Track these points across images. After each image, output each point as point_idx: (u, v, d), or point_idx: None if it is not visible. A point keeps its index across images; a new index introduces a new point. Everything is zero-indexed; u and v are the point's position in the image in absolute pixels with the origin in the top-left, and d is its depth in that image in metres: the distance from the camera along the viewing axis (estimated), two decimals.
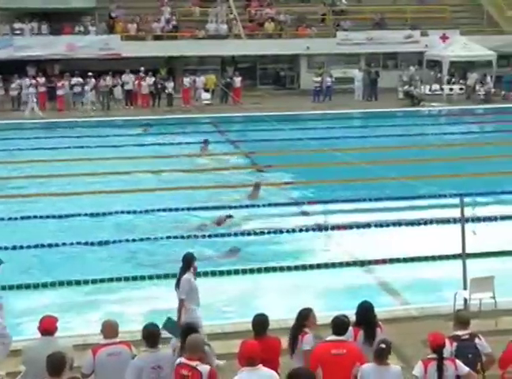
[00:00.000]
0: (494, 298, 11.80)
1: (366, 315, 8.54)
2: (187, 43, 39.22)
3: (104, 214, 18.51)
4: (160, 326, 8.43)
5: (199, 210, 18.79)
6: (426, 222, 17.81)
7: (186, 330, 8.21)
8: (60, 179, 22.08)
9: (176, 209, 18.74)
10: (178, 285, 10.44)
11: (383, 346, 7.69)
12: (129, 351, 8.15)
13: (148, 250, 16.16)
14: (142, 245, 16.41)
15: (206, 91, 37.22)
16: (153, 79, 36.52)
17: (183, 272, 10.45)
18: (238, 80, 37.75)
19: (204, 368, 7.50)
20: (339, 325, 8.02)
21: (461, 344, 8.07)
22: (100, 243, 16.36)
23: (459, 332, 8.21)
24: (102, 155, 25.09)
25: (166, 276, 13.56)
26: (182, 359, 7.59)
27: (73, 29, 39.13)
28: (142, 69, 36.62)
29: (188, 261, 10.54)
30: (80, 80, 35.71)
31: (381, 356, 7.66)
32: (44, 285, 13.93)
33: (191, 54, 39.74)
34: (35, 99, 34.02)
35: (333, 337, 7.95)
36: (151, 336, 7.98)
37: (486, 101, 37.16)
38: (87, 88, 35.39)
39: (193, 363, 7.49)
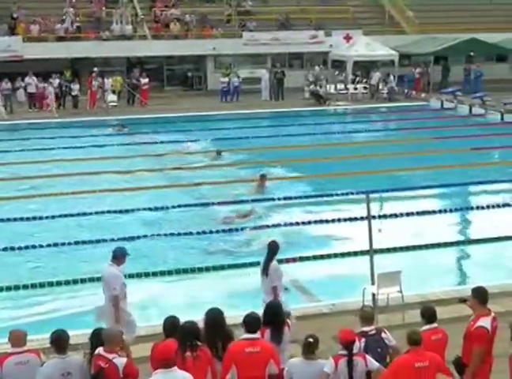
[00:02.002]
0: (401, 292, 12.09)
1: (273, 314, 8.58)
2: (91, 45, 38.69)
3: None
4: None
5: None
6: (334, 219, 18.09)
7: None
8: None
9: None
10: (265, 272, 10.75)
11: (311, 340, 7.77)
12: (38, 359, 7.98)
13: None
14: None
15: (113, 92, 36.76)
16: (58, 81, 35.86)
17: (270, 259, 10.84)
18: (145, 82, 37.45)
19: (120, 361, 7.46)
20: (252, 323, 8.02)
21: (369, 340, 8.25)
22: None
23: (366, 328, 8.39)
24: None
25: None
26: (101, 350, 7.56)
27: None
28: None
29: (274, 249, 10.94)
30: None
31: (309, 350, 7.76)
32: None
33: (96, 56, 39.17)
34: None
35: (247, 335, 7.96)
36: (59, 342, 7.82)
37: (389, 99, 38.06)
38: None
39: (110, 356, 7.46)
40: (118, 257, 10.56)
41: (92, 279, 13.68)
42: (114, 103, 36.04)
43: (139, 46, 39.51)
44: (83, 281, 14.09)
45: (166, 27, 41.22)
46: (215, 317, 8.28)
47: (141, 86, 37.32)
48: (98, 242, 16.29)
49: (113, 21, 40.18)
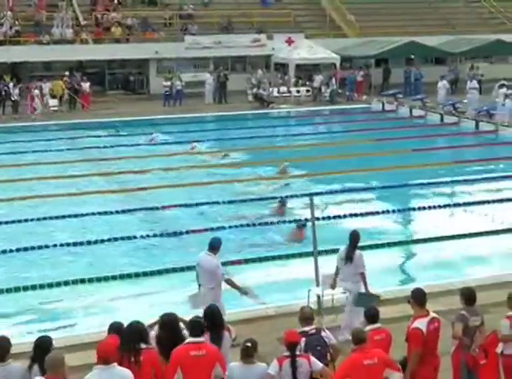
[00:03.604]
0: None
1: (212, 318, 8.55)
2: (31, 49, 38.14)
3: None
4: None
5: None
6: (278, 222, 18.14)
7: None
8: None
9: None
10: (350, 261, 11.31)
11: (248, 344, 7.79)
12: None
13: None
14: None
15: (53, 97, 36.26)
16: None
17: (352, 248, 11.42)
18: (86, 86, 37.03)
19: None
20: (196, 327, 8.02)
21: (308, 339, 8.32)
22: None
23: (306, 328, 8.46)
24: None
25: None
26: None
27: None
28: None
29: (356, 237, 11.50)
30: None
31: (247, 354, 7.77)
32: None
33: (36, 60, 38.62)
34: None
35: (192, 339, 7.94)
36: None
37: (331, 102, 38.39)
38: None
39: None
40: (216, 246, 11.15)
41: None
42: (55, 108, 35.58)
43: (80, 50, 39.08)
44: None
45: (107, 31, 40.85)
46: (170, 320, 8.29)
47: (82, 90, 36.90)
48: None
49: (53, 25, 39.62)
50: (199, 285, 11.22)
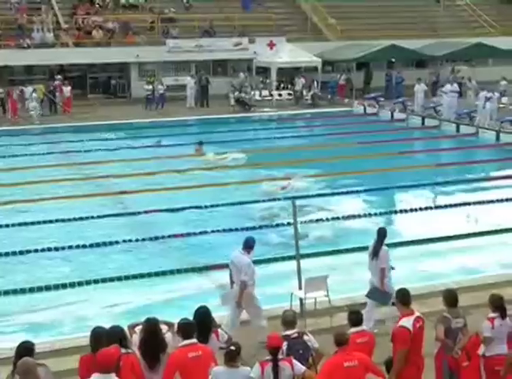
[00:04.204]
0: (328, 296, 12.20)
1: (201, 320, 8.57)
2: (12, 53, 37.87)
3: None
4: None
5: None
6: (261, 226, 18.12)
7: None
8: None
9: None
10: (376, 256, 11.70)
11: (232, 348, 7.80)
12: None
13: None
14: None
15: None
16: None
17: (380, 243, 11.80)
18: (67, 90, 36.86)
19: None
20: (187, 329, 8.08)
21: (291, 342, 8.33)
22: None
23: (288, 332, 8.48)
24: None
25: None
26: None
27: None
28: None
29: (383, 234, 11.90)
30: None
31: (231, 358, 7.76)
32: None
33: (17, 64, 38.41)
34: None
35: (186, 341, 7.99)
36: None
37: (313, 105, 38.45)
38: None
39: None
40: (250, 245, 11.45)
41: None
42: (37, 112, 35.36)
43: (61, 54, 38.88)
44: None
45: (88, 34, 40.68)
46: (152, 325, 8.27)
47: (63, 94, 36.71)
48: None
49: (34, 29, 39.40)
50: (231, 283, 11.53)
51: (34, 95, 34.70)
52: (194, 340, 8.02)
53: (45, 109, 36.29)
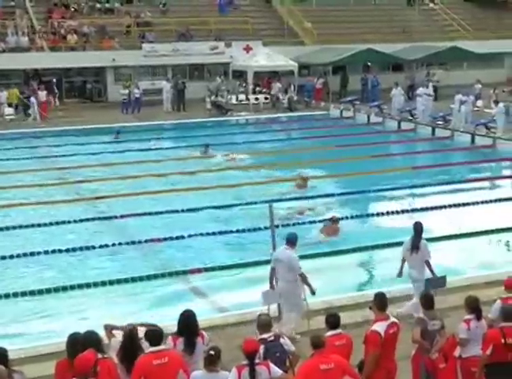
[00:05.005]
0: (305, 299, 12.13)
1: (187, 324, 8.57)
2: None
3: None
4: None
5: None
6: (238, 230, 18.11)
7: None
8: None
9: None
10: (416, 250, 12.29)
11: (212, 352, 7.77)
12: None
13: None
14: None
15: (9, 106, 35.80)
16: None
17: (419, 237, 12.43)
18: (43, 94, 36.61)
19: None
20: (154, 337, 8.01)
21: (268, 345, 8.33)
22: None
23: (264, 335, 8.47)
24: None
25: None
26: None
27: None
28: None
29: (420, 228, 12.51)
30: None
31: (210, 362, 7.74)
32: None
33: None
34: None
35: (153, 348, 7.94)
36: None
37: (289, 109, 38.51)
38: None
39: None
40: (293, 241, 11.84)
41: None
42: (12, 117, 35.16)
43: (36, 58, 38.65)
44: None
45: (63, 38, 40.46)
46: (130, 331, 8.28)
47: (39, 99, 36.46)
48: None
49: (8, 33, 39.12)
50: (272, 281, 11.79)
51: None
52: (161, 347, 7.99)
53: (19, 114, 36.04)
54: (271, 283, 11.83)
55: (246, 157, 26.94)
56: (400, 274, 12.69)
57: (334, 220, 17.76)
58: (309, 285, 11.69)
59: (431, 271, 12.30)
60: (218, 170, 25.00)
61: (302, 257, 15.55)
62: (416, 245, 12.42)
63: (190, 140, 30.39)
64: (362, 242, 17.12)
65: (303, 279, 11.66)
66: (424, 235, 15.74)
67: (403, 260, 12.61)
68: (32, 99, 35.45)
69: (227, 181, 23.15)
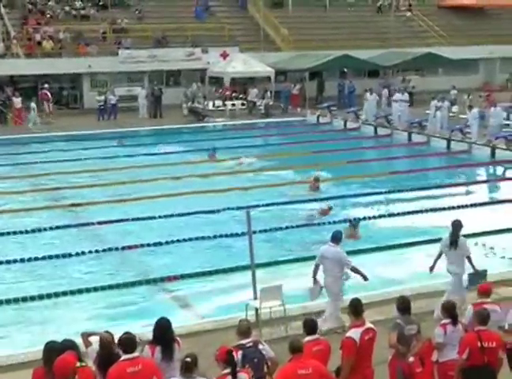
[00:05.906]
0: (283, 305, 12.21)
1: (163, 332, 8.52)
2: None
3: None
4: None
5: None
6: (215, 236, 18.08)
7: None
8: None
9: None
10: (455, 246, 12.62)
11: (188, 359, 7.73)
12: None
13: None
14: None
15: None
16: None
17: (457, 234, 12.72)
18: (18, 101, 36.34)
19: None
20: (127, 343, 7.96)
21: (245, 351, 8.32)
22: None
23: (243, 341, 8.46)
24: None
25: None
26: None
27: None
28: None
29: (458, 225, 12.82)
30: None
31: (187, 370, 7.70)
32: None
33: None
34: None
35: (126, 356, 7.88)
36: None
37: (266, 115, 38.57)
38: None
39: None
40: (338, 238, 12.41)
41: None
42: None
43: (11, 64, 38.43)
44: None
45: (39, 44, 40.23)
46: (106, 338, 8.23)
47: (14, 105, 36.22)
48: None
49: None
50: (315, 278, 12.27)
51: None
52: (135, 354, 7.93)
53: None
54: (314, 278, 12.31)
55: (254, 161, 27.24)
56: (432, 268, 12.90)
57: (353, 224, 18.34)
58: (362, 274, 12.25)
59: (472, 266, 12.71)
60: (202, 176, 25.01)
61: (279, 263, 15.78)
62: (454, 242, 12.75)
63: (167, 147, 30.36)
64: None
65: (356, 269, 12.24)
66: (402, 240, 15.94)
67: (438, 256, 12.94)
68: (33, 104, 35.19)
69: (217, 187, 23.11)
